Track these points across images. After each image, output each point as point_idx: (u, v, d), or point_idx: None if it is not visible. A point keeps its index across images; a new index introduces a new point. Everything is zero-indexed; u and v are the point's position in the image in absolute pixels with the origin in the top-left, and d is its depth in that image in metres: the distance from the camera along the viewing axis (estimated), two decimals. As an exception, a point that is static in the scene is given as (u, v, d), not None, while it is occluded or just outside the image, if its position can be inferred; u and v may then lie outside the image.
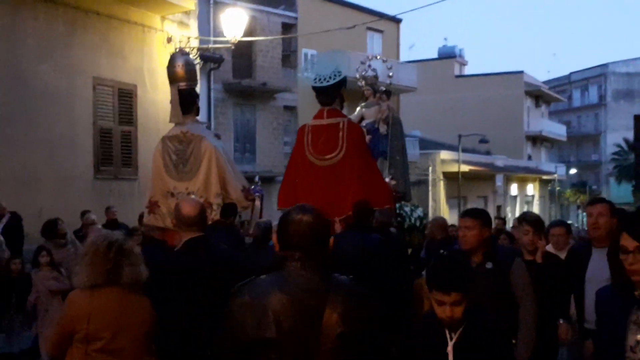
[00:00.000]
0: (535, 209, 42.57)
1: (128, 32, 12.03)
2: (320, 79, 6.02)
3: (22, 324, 7.89)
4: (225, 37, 13.45)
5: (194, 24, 13.61)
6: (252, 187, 7.83)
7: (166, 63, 7.02)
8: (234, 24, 13.01)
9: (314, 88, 6.10)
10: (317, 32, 19.26)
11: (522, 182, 44.34)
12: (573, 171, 56.94)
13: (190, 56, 7.18)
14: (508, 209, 39.30)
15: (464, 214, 4.58)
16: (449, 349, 3.05)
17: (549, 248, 5.67)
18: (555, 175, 47.50)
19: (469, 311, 3.05)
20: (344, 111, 6.60)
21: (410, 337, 3.23)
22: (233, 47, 14.64)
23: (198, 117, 6.91)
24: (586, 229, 5.71)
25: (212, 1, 22.29)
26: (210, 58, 19.52)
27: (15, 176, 10.03)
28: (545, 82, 56.04)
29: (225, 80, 23.60)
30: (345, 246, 4.74)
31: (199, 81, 7.53)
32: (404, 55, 38.52)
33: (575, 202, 56.38)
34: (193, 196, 5.37)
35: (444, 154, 33.56)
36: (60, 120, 10.83)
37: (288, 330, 2.41)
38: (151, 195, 6.37)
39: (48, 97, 10.65)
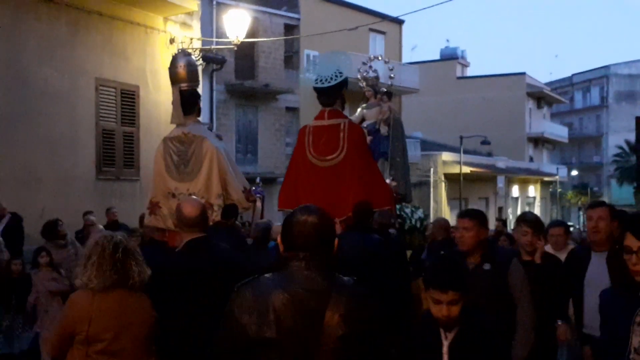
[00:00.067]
0: (537, 210, 42.57)
1: (131, 33, 12.04)
2: (321, 80, 6.05)
3: (22, 324, 7.86)
4: (227, 38, 13.46)
5: (196, 25, 13.61)
6: (253, 188, 7.83)
7: (168, 64, 7.04)
8: (236, 25, 13.02)
9: (315, 89, 6.12)
10: (320, 34, 19.27)
11: (524, 184, 44.34)
12: (574, 173, 56.95)
13: (192, 57, 7.18)
14: (509, 210, 39.29)
15: (461, 215, 4.57)
16: (444, 349, 3.04)
17: (548, 248, 5.64)
18: (557, 177, 47.48)
19: (465, 311, 3.04)
20: (345, 112, 6.61)
21: (408, 337, 3.22)
22: (235, 48, 14.66)
23: (200, 118, 6.92)
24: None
25: (214, 2, 22.33)
26: (212, 59, 19.52)
27: (16, 177, 10.03)
28: (547, 84, 56.08)
29: (227, 82, 23.62)
30: (345, 247, 4.75)
31: (200, 82, 7.53)
32: (406, 57, 38.48)
33: (576, 204, 56.39)
34: (194, 197, 5.38)
35: (446, 156, 33.57)
36: (62, 121, 10.83)
37: (288, 330, 2.40)
38: (152, 196, 6.37)
39: (50, 97, 10.65)
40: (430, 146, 34.81)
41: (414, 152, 28.44)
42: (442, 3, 12.02)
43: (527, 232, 5.04)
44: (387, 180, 8.71)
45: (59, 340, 3.53)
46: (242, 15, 13.23)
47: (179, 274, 3.92)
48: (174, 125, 6.73)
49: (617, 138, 57.18)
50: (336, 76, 6.01)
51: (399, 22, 31.32)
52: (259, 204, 8.75)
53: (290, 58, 26.81)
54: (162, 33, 12.60)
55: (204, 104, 12.63)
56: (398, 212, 9.55)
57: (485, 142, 31.58)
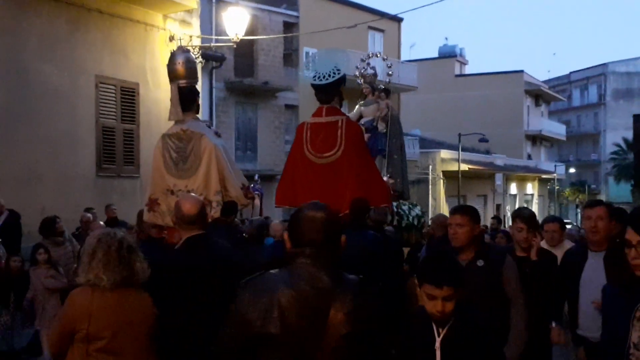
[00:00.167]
0: (535, 207, 42.59)
1: (130, 31, 12.07)
2: (319, 77, 6.03)
3: (22, 321, 7.90)
4: (227, 35, 13.50)
5: (196, 22, 13.65)
6: (252, 185, 7.84)
7: (168, 61, 7.05)
8: (235, 23, 13.05)
9: (313, 86, 6.11)
10: (319, 31, 19.28)
11: (522, 181, 44.40)
12: (572, 170, 57.04)
13: (191, 54, 7.18)
14: (507, 207, 39.31)
15: (454, 211, 4.50)
16: (437, 345, 2.99)
17: (543, 244, 5.52)
18: (555, 175, 47.57)
19: (459, 307, 2.99)
20: (343, 109, 6.62)
21: (402, 334, 3.16)
22: (235, 46, 14.70)
23: (199, 116, 6.94)
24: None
25: (214, 0, 22.34)
26: (212, 57, 19.53)
27: (17, 175, 10.06)
28: (545, 82, 56.12)
29: (227, 79, 23.62)
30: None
31: (200, 79, 7.52)
32: (405, 55, 38.61)
33: (574, 201, 56.45)
34: (193, 194, 5.39)
35: (444, 153, 33.64)
36: (62, 118, 10.87)
37: (292, 327, 2.39)
38: (151, 193, 6.35)
39: (50, 95, 10.68)
40: (428, 144, 34.90)
41: (412, 150, 28.49)
42: (440, 1, 12.09)
43: (522, 229, 4.97)
44: (385, 178, 8.73)
45: (59, 338, 3.50)
46: (241, 13, 13.28)
47: (178, 271, 3.89)
48: (173, 122, 6.76)
49: (614, 136, 57.17)
50: (334, 73, 5.99)
51: (397, 20, 31.32)
52: (257, 201, 8.79)
53: (290, 56, 26.80)
54: (162, 31, 12.64)
55: (203, 102, 12.66)
56: (395, 210, 9.56)
57: (483, 140, 31.61)
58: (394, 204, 9.48)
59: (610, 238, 4.60)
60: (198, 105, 6.77)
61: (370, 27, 28.78)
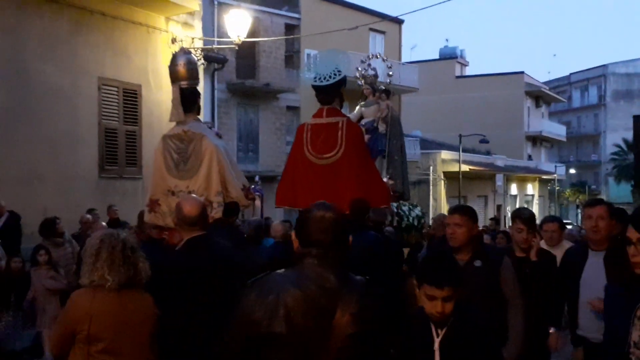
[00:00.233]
0: (535, 208, 42.63)
1: (133, 33, 12.10)
2: (320, 78, 6.04)
3: (23, 322, 7.90)
4: (229, 37, 13.53)
5: (198, 24, 13.68)
6: (252, 186, 7.84)
7: (170, 63, 7.08)
8: (237, 25, 13.08)
9: (314, 87, 6.12)
10: (320, 33, 19.30)
11: (522, 182, 44.38)
12: (572, 171, 57.04)
13: (192, 55, 7.20)
14: (508, 208, 39.30)
15: (452, 211, 4.47)
16: (436, 346, 2.99)
17: (542, 244, 5.50)
18: (555, 175, 47.57)
19: (457, 308, 2.98)
20: (344, 110, 6.63)
21: (401, 335, 3.15)
22: (237, 48, 14.72)
23: (201, 117, 6.96)
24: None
25: (216, 2, 22.37)
26: (214, 58, 19.54)
27: (18, 175, 10.06)
28: (545, 83, 56.13)
29: (228, 81, 23.65)
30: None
31: (202, 81, 7.53)
32: (406, 56, 38.52)
33: (574, 202, 56.43)
34: (194, 195, 5.40)
35: (445, 154, 33.65)
36: (64, 120, 10.88)
37: (298, 327, 2.39)
38: (152, 194, 6.36)
39: (52, 96, 10.69)
40: (429, 145, 34.94)
41: (413, 151, 28.50)
42: (441, 3, 12.11)
43: (522, 229, 4.93)
44: (385, 179, 8.75)
45: (60, 339, 3.49)
46: (243, 15, 13.30)
47: (179, 272, 3.89)
48: (174, 124, 6.78)
49: (614, 136, 57.12)
50: (335, 74, 5.99)
51: (398, 21, 31.35)
52: (258, 202, 8.78)
53: (291, 57, 26.82)
54: (164, 33, 12.67)
55: (205, 103, 12.69)
56: (395, 210, 9.59)
57: (483, 141, 31.62)
58: (394, 204, 9.52)
59: (611, 237, 4.57)
60: (199, 106, 6.78)
61: (372, 29, 28.81)
